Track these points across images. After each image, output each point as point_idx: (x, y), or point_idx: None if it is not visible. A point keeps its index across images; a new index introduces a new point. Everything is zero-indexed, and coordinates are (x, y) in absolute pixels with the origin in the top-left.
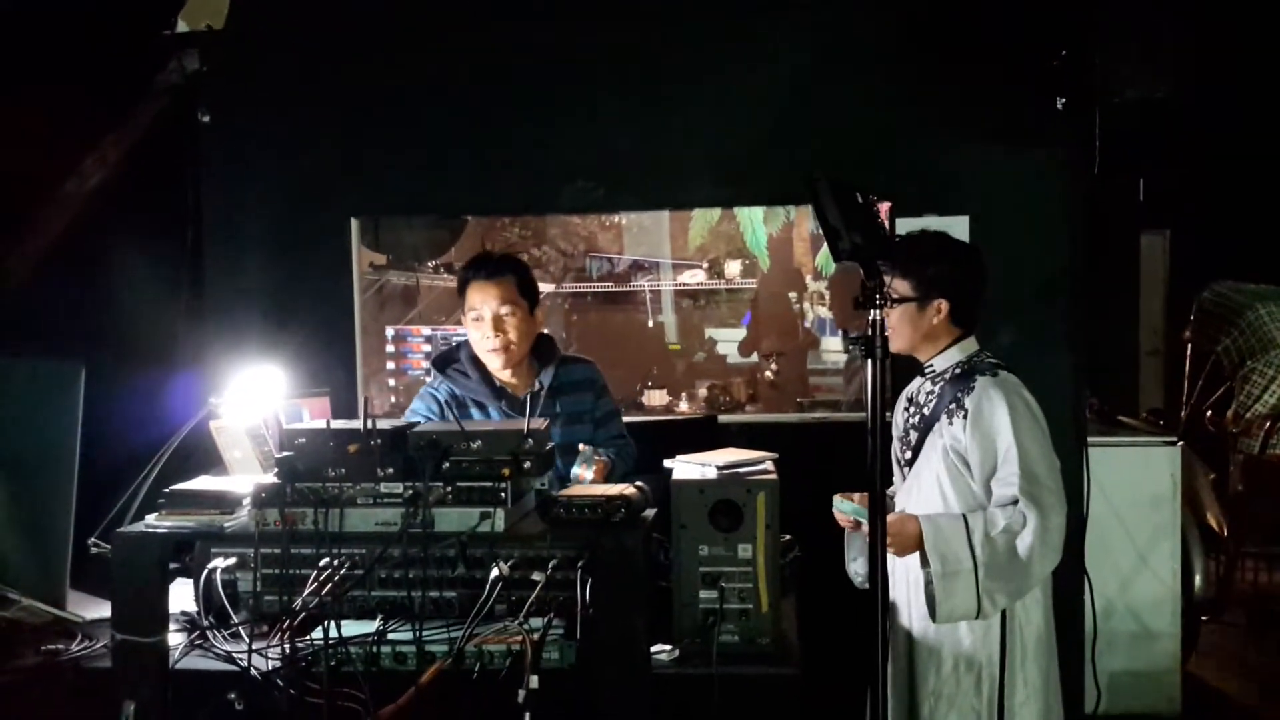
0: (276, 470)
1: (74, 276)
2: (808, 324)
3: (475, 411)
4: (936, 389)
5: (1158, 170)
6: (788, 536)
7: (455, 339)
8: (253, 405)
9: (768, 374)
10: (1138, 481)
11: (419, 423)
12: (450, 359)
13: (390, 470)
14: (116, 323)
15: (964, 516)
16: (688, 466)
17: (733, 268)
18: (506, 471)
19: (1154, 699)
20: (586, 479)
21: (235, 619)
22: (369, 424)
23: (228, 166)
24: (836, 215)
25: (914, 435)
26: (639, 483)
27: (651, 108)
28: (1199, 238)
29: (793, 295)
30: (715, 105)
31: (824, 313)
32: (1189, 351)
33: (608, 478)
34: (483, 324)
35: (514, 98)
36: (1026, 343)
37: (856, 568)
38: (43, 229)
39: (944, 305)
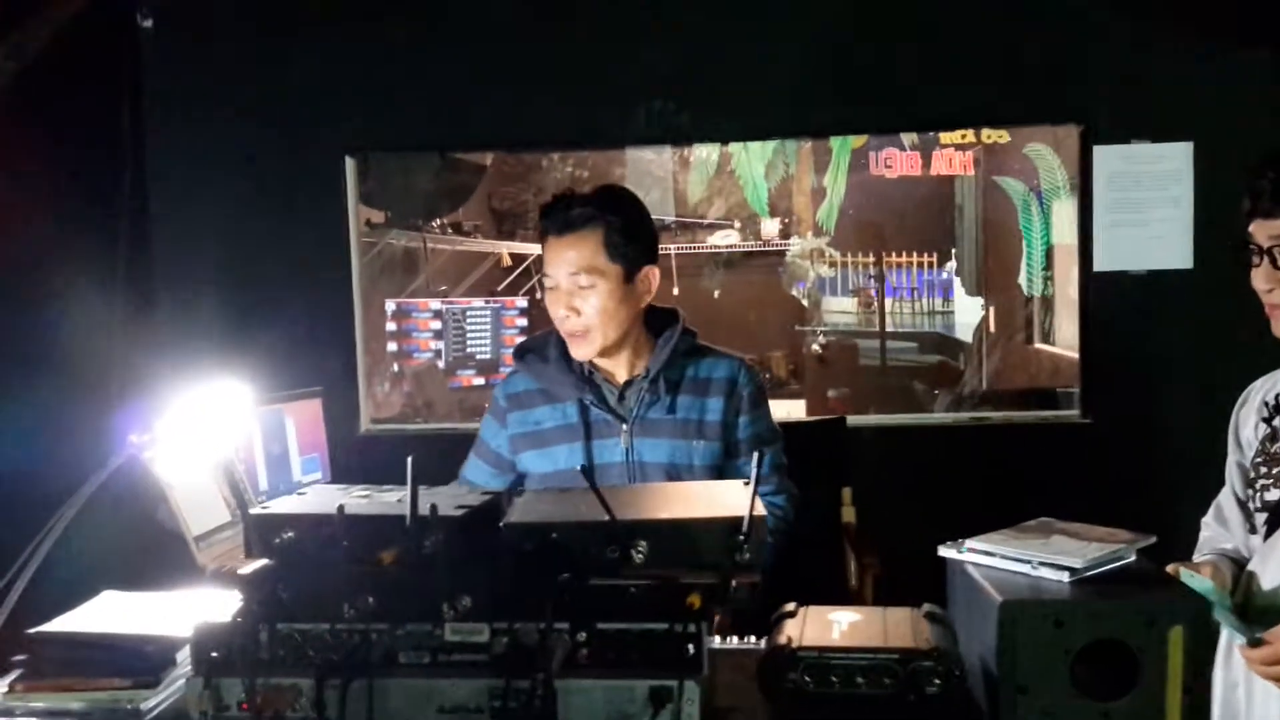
0: (241, 599)
1: None
2: (806, 284)
3: (542, 409)
4: None
5: None
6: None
7: (470, 313)
8: (210, 436)
9: (815, 348)
10: None
11: (502, 493)
12: (533, 344)
13: (466, 602)
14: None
15: None
16: (991, 561)
17: (770, 227)
18: (696, 600)
19: None
20: None
21: None
22: (419, 503)
23: (178, 87)
24: None
25: None
26: (931, 607)
27: (751, 8)
28: None
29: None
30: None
31: (826, 271)
32: None
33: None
34: (557, 295)
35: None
36: None
37: None
38: None
39: None
